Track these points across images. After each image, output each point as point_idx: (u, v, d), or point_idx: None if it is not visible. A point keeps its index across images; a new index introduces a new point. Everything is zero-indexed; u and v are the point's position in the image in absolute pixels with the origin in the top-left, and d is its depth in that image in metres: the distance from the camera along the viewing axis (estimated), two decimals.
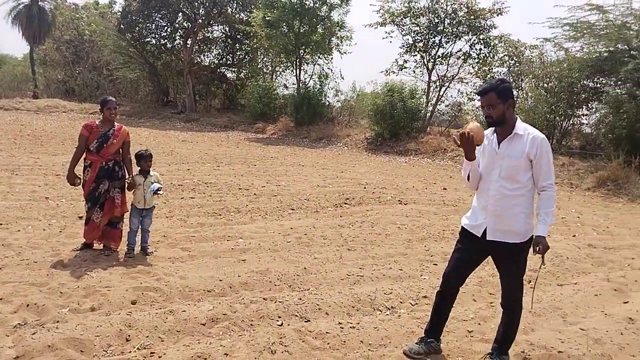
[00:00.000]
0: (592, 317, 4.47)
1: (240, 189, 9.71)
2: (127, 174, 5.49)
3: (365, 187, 10.47)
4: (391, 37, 21.25)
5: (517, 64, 19.19)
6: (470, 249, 3.44)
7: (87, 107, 29.13)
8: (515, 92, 19.04)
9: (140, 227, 5.45)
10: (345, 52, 23.91)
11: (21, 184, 8.52)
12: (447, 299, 3.56)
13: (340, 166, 14.27)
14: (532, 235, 3.24)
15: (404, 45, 21.04)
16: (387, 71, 21.12)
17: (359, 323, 4.01)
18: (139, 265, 5.05)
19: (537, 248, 3.15)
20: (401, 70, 21.09)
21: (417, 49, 20.82)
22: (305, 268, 5.32)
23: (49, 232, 5.89)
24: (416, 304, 4.59)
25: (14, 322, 3.67)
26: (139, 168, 5.49)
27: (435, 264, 5.76)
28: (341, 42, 23.49)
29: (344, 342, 3.67)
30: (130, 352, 3.37)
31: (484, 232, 3.31)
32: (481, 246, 3.37)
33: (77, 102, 30.26)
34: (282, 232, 6.80)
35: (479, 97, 3.29)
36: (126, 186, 5.44)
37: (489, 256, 3.46)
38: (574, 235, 7.61)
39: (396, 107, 18.18)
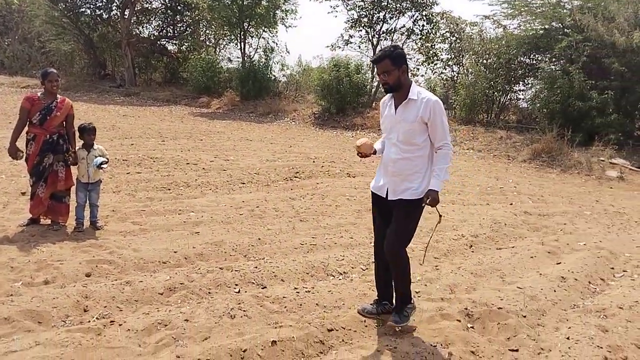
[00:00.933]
0: (528, 276, 4.83)
1: (188, 163, 9.60)
2: (70, 147, 5.35)
3: (314, 161, 10.61)
4: (336, 11, 21.28)
5: (458, 41, 19.71)
6: (382, 211, 3.57)
7: (19, 80, 27.48)
8: (456, 68, 19.87)
9: (87, 201, 5.35)
10: (290, 26, 23.71)
11: None
12: (383, 265, 3.62)
13: (289, 141, 14.33)
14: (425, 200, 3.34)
15: (349, 20, 21.11)
16: (332, 46, 21.20)
17: (313, 287, 4.18)
18: (89, 239, 4.99)
19: (427, 199, 3.28)
20: (347, 45, 21.21)
21: (362, 24, 20.95)
22: (259, 239, 5.42)
23: None
24: (367, 268, 4.81)
25: None
26: (82, 142, 5.36)
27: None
28: (286, 15, 23.25)
29: (300, 305, 3.83)
30: (89, 321, 3.39)
31: (387, 193, 3.46)
32: (386, 206, 3.49)
33: (7, 76, 28.50)
34: (234, 205, 6.84)
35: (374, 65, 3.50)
36: (69, 160, 5.31)
37: None
38: (511, 204, 8.09)
39: (342, 82, 18.30)
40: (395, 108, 3.42)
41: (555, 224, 6.93)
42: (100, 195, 5.53)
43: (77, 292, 3.70)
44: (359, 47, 21.28)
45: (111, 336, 3.17)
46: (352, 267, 4.82)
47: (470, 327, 3.68)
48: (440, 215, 3.55)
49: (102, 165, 5.23)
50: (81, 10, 27.62)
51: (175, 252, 4.78)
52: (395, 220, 3.43)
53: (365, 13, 20.83)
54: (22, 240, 4.79)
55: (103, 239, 5.01)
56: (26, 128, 5.23)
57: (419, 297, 4.19)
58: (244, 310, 3.66)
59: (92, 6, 27.93)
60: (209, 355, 2.99)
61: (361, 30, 21.11)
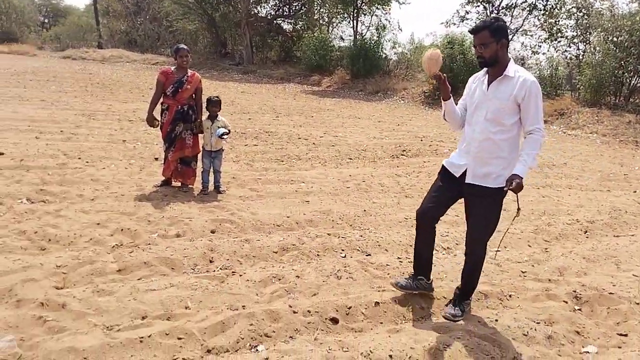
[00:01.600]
0: None
1: (299, 138, 10.05)
2: (198, 117, 5.90)
3: (422, 140, 10.57)
4: None
5: (585, 17, 18.19)
6: (447, 189, 3.37)
7: (149, 57, 30.04)
8: (582, 46, 18.38)
9: (211, 167, 5.89)
10: (404, 3, 23.39)
11: (99, 127, 9.18)
12: (424, 236, 3.49)
13: (397, 119, 14.33)
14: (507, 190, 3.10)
15: None
16: (447, 22, 20.72)
17: None
18: (213, 201, 5.53)
19: (510, 183, 2.98)
20: (462, 21, 20.59)
21: (480, 0, 20.10)
22: (364, 210, 5.63)
23: (130, 171, 6.45)
24: None
25: (111, 243, 4.20)
26: (208, 113, 5.88)
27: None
28: None
29: (403, 273, 3.98)
30: (214, 270, 3.83)
31: (463, 174, 3.27)
32: (457, 187, 3.31)
33: (139, 53, 31.25)
34: (341, 178, 7.11)
35: (472, 35, 3.15)
36: (195, 129, 5.86)
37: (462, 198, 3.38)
38: (635, 192, 7.52)
39: (456, 60, 17.81)
40: (489, 84, 3.18)
41: None
42: (222, 163, 6.05)
43: (204, 245, 4.18)
44: (475, 23, 20.48)
45: (233, 284, 3.57)
46: (457, 244, 4.86)
47: (578, 309, 3.60)
48: (518, 208, 3.20)
49: (224, 136, 5.71)
50: None
51: (287, 217, 5.15)
52: (475, 214, 3.27)
53: None
54: (157, 199, 5.43)
55: (225, 202, 5.52)
56: (161, 99, 5.84)
57: (525, 276, 4.16)
58: (350, 273, 3.90)
59: None
60: (317, 308, 3.26)
61: (479, 6, 20.34)
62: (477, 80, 3.31)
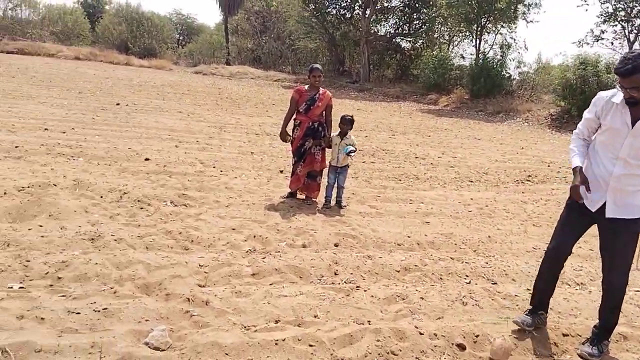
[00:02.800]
0: None
1: (416, 157, 10.00)
2: (327, 134, 6.13)
3: (549, 166, 10.01)
4: (587, 4, 19.40)
5: None
6: (577, 222, 3.27)
7: (272, 74, 31.66)
8: None
9: (336, 182, 6.08)
10: (532, 21, 22.42)
11: (229, 139, 9.88)
12: (553, 269, 3.40)
13: (520, 142, 13.70)
14: None
15: (602, 14, 19.10)
16: (579, 42, 19.57)
17: None
18: (335, 215, 5.69)
19: None
20: (597, 41, 19.29)
21: (618, 18, 18.72)
22: (489, 237, 5.46)
23: (259, 181, 6.86)
24: None
25: (246, 248, 4.50)
26: (339, 130, 6.08)
27: None
28: (528, 9, 22.08)
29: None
30: (339, 283, 3.95)
31: (600, 209, 3.12)
32: (588, 219, 3.21)
33: (263, 70, 33.04)
34: (462, 201, 6.96)
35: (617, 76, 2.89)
36: (324, 144, 6.08)
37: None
38: None
39: (588, 82, 16.65)
40: (634, 120, 2.95)
41: None
42: (346, 179, 6.22)
43: (329, 258, 4.33)
44: (612, 43, 19.12)
45: (358, 298, 3.66)
46: (591, 280, 4.54)
47: None
48: None
49: (351, 153, 5.87)
50: (328, 10, 30.37)
51: (408, 236, 5.16)
52: (617, 245, 3.13)
53: (622, 5, 18.53)
54: (284, 210, 5.71)
55: (346, 217, 5.67)
56: (294, 115, 6.15)
57: None
58: (476, 300, 3.81)
59: (337, 6, 30.52)
60: (443, 332, 3.23)
61: (616, 25, 18.94)
62: (613, 109, 3.04)
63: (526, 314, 3.47)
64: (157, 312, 3.25)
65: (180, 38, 49.76)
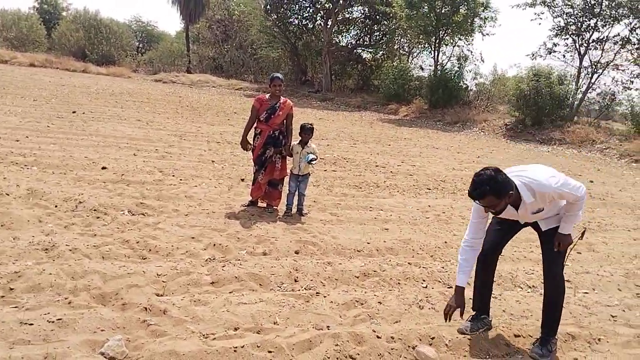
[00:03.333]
0: None
1: (377, 166, 10.15)
2: (288, 142, 6.17)
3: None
4: (540, 18, 20.20)
5: None
6: (506, 223, 3.47)
7: (234, 83, 31.55)
8: None
9: (297, 190, 6.11)
10: (487, 34, 23.15)
11: (190, 147, 9.78)
12: (488, 271, 3.59)
13: (477, 151, 14.10)
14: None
15: (554, 28, 19.92)
16: (533, 55, 20.26)
17: (501, 294, 4.25)
18: (296, 223, 5.73)
19: (558, 243, 3.25)
20: (549, 54, 20.04)
21: (569, 32, 19.57)
22: (445, 242, 5.60)
23: (219, 190, 6.82)
24: None
25: (205, 256, 4.47)
26: (300, 138, 6.13)
27: (580, 253, 5.71)
28: (484, 23, 22.78)
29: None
30: (299, 290, 3.98)
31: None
32: (517, 223, 3.43)
33: (224, 78, 32.89)
34: (420, 208, 7.11)
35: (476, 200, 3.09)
36: (285, 152, 6.12)
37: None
38: None
39: (541, 93, 17.32)
40: (516, 210, 3.19)
41: None
42: (307, 187, 6.26)
43: (289, 265, 4.35)
44: (564, 56, 19.90)
45: (317, 304, 3.69)
46: (542, 283, 4.71)
47: None
48: (584, 229, 3.52)
49: (312, 162, 5.93)
50: (290, 20, 30.57)
51: (368, 243, 5.24)
52: (549, 245, 3.35)
53: (573, 20, 19.42)
54: (245, 218, 5.71)
55: (307, 225, 5.71)
56: (255, 124, 6.16)
57: (615, 321, 3.98)
58: (432, 304, 3.91)
59: (299, 17, 30.76)
60: (400, 335, 3.30)
61: (567, 39, 19.76)
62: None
63: (469, 320, 3.56)
64: (113, 322, 3.20)
65: (140, 45, 48.91)
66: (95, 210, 5.38)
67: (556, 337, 3.45)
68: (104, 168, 7.25)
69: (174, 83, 30.40)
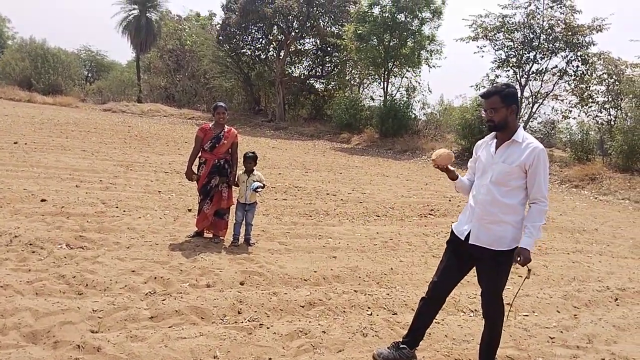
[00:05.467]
0: None
1: (327, 194, 10.22)
2: (233, 171, 6.13)
3: (450, 200, 10.61)
4: (483, 51, 21.14)
5: (616, 83, 18.33)
6: (456, 255, 3.39)
7: (186, 112, 31.24)
8: (613, 112, 18.37)
9: (244, 220, 6.06)
10: (434, 66, 23.99)
11: (136, 178, 9.56)
12: (431, 306, 3.50)
13: (425, 179, 14.43)
14: (516, 247, 3.16)
15: (496, 60, 20.86)
16: (477, 86, 21.03)
17: (443, 319, 4.30)
18: (243, 253, 5.66)
19: (518, 258, 3.08)
20: (492, 85, 20.86)
21: (510, 64, 20.55)
22: (391, 269, 5.66)
23: (165, 221, 6.68)
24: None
25: (145, 290, 4.34)
26: (244, 168, 6.11)
27: (520, 276, 5.87)
28: (431, 55, 23.60)
29: (430, 334, 3.97)
30: (242, 322, 3.91)
31: (468, 236, 3.27)
32: (466, 250, 3.31)
33: (176, 108, 32.53)
34: (369, 235, 7.18)
35: (482, 100, 3.25)
36: (231, 182, 6.09)
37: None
38: None
39: (485, 122, 18.00)
40: (496, 148, 3.24)
41: None
42: (254, 216, 6.22)
43: (233, 297, 4.28)
44: (487, 88, 20.85)
45: (260, 336, 3.63)
46: None
47: None
48: (529, 270, 3.28)
49: (258, 190, 5.91)
50: (243, 51, 30.77)
51: (315, 271, 5.23)
52: (485, 272, 3.30)
53: (514, 53, 20.44)
54: (189, 249, 5.59)
55: (254, 254, 5.65)
56: (199, 153, 6.11)
57: (553, 342, 4.10)
58: (376, 331, 3.92)
59: (252, 47, 31.03)
60: None
61: (509, 71, 20.71)
62: (484, 145, 3.38)
63: (387, 347, 3.53)
64: None
65: (89, 75, 47.87)
66: (31, 244, 5.15)
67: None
68: (43, 200, 6.98)
69: (124, 112, 29.78)
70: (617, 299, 5.35)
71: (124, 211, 6.93)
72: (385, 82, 24.45)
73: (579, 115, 22.21)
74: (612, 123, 18.13)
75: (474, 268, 3.42)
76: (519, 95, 20.20)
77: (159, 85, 38.27)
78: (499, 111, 3.14)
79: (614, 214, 11.35)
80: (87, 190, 7.95)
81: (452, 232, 3.46)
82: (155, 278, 4.59)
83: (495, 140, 3.29)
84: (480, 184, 3.28)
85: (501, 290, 3.33)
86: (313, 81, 32.15)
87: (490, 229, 3.20)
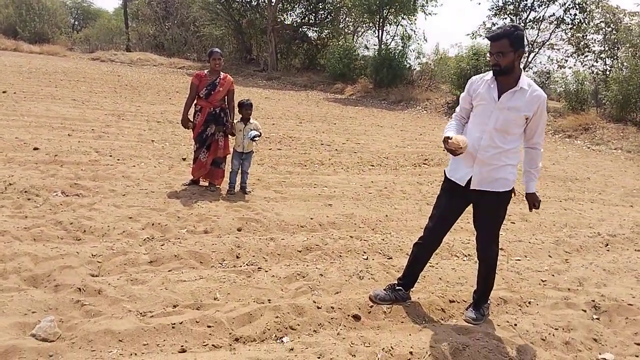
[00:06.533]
0: None
1: (322, 144, 10.19)
2: (230, 119, 6.07)
3: (444, 150, 10.61)
4: None
5: (614, 32, 18.06)
6: (454, 200, 3.39)
7: (176, 61, 30.56)
8: (609, 62, 18.21)
9: (240, 168, 6.05)
10: (430, 13, 23.46)
11: (128, 127, 9.45)
12: (426, 251, 3.55)
13: (419, 129, 14.39)
14: (513, 187, 3.25)
15: (493, 8, 20.44)
16: (473, 34, 20.70)
17: (438, 263, 4.40)
18: (239, 201, 5.68)
19: (535, 204, 3.26)
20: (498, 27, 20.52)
21: (507, 12, 20.15)
22: (386, 216, 5.73)
23: (159, 169, 6.65)
24: None
25: (143, 236, 4.37)
26: (241, 116, 6.05)
27: (513, 222, 5.98)
28: (427, 2, 23.05)
29: (424, 277, 4.06)
30: (241, 266, 3.97)
31: (468, 181, 3.24)
32: (464, 195, 3.31)
33: (166, 57, 31.79)
34: (364, 184, 7.22)
35: (489, 42, 3.10)
36: (227, 131, 6.03)
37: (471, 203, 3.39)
38: None
39: (481, 72, 17.78)
40: (499, 93, 3.14)
41: None
42: (251, 165, 6.20)
43: (231, 242, 4.33)
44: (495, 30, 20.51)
45: (259, 279, 3.70)
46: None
47: (596, 318, 3.65)
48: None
49: (255, 138, 5.87)
50: None
51: (311, 218, 5.28)
52: (485, 214, 3.33)
53: (511, 0, 19.94)
54: (185, 197, 5.60)
55: (251, 202, 5.68)
56: (195, 100, 6.01)
57: (544, 285, 4.21)
58: (371, 274, 4.00)
59: None
60: (340, 305, 3.37)
61: (506, 18, 20.31)
62: (483, 85, 3.22)
63: (384, 289, 3.59)
64: (45, 304, 3.09)
65: (76, 23, 46.43)
66: (26, 191, 5.14)
67: (489, 302, 3.61)
68: (36, 149, 6.91)
69: (113, 62, 29.10)
70: (607, 245, 5.47)
71: (118, 160, 6.89)
72: (380, 31, 23.98)
73: (574, 65, 21.94)
74: (608, 73, 17.99)
75: (466, 214, 3.47)
76: None
77: (147, 33, 37.20)
78: (507, 55, 3.02)
79: (606, 163, 11.45)
80: (79, 139, 7.87)
81: (447, 179, 3.43)
82: (153, 224, 4.62)
83: (496, 83, 3.16)
84: (482, 129, 3.19)
85: (498, 231, 3.42)
86: (306, 29, 31.36)
87: (493, 173, 3.19)
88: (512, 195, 3.33)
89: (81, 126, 8.93)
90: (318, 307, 3.30)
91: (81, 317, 2.99)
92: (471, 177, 3.24)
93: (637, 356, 3.20)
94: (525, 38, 3.17)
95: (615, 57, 18.14)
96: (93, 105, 11.70)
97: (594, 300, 3.85)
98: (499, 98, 3.14)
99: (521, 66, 3.20)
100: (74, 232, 4.27)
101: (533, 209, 3.35)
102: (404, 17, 23.58)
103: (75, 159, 6.59)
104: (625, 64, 16.39)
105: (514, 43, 3.01)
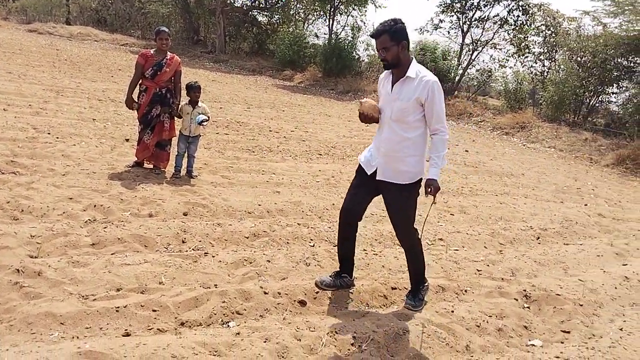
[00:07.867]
0: (591, 272, 4.92)
1: (270, 131, 10.16)
2: (175, 100, 5.94)
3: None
4: None
5: (553, 35, 18.97)
6: (363, 186, 3.49)
7: (119, 38, 29.32)
8: (547, 63, 19.13)
9: (186, 152, 5.95)
10: (380, 6, 23.70)
11: (68, 104, 9.03)
12: (347, 231, 3.61)
13: None
14: (421, 178, 3.32)
15: (441, 5, 20.87)
16: (421, 29, 21.13)
17: (381, 252, 4.54)
18: (185, 185, 5.60)
19: (429, 189, 3.23)
20: (435, 30, 21.01)
21: (454, 10, 20.64)
22: (333, 204, 5.82)
23: (101, 150, 6.43)
24: (432, 244, 5.10)
25: (84, 217, 4.24)
26: (189, 98, 5.94)
27: (452, 214, 6.23)
28: None
29: (368, 264, 4.19)
30: (187, 251, 3.94)
31: (375, 172, 3.38)
32: (372, 184, 3.42)
33: (108, 32, 30.45)
34: (311, 172, 7.28)
35: (374, 40, 3.22)
36: (173, 112, 5.91)
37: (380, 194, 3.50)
38: (586, 205, 7.98)
39: (426, 67, 18.15)
40: (392, 85, 3.28)
41: (629, 229, 6.81)
42: (197, 148, 6.11)
43: (177, 226, 4.28)
44: (448, 32, 20.99)
45: (205, 264, 3.69)
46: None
47: (527, 307, 3.89)
48: (434, 201, 3.43)
49: (203, 123, 5.78)
50: None
51: (259, 205, 5.29)
52: (392, 205, 3.41)
53: None
54: (129, 179, 5.46)
55: (197, 187, 5.61)
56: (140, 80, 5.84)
57: (480, 274, 4.44)
58: (318, 261, 4.08)
59: None
60: (286, 290, 3.43)
61: (452, 16, 20.83)
62: (384, 81, 3.39)
63: (330, 275, 3.68)
64: None
65: None
66: None
67: (426, 286, 3.74)
68: None
69: (51, 34, 27.52)
70: (538, 238, 5.81)
71: (57, 138, 6.60)
72: (331, 20, 24.02)
73: (515, 65, 22.93)
74: (545, 74, 18.91)
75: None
76: (461, 41, 20.54)
77: (89, 7, 35.40)
78: (390, 49, 3.15)
79: (540, 160, 12.09)
80: (15, 114, 7.45)
81: (359, 164, 3.56)
82: (95, 206, 4.49)
83: (391, 76, 3.31)
84: (383, 121, 3.34)
85: (411, 220, 3.47)
86: (256, 13, 30.91)
87: (394, 164, 3.30)
88: (420, 187, 3.37)
89: (17, 101, 8.46)
90: (265, 293, 3.34)
91: (20, 299, 2.89)
92: (377, 169, 3.37)
93: (562, 342, 3.46)
94: (405, 30, 3.19)
95: (553, 59, 19.07)
96: (30, 79, 11.08)
97: (525, 290, 4.10)
98: (392, 90, 3.28)
99: (411, 56, 3.30)
100: (10, 211, 4.08)
101: (429, 194, 3.29)
102: (355, 7, 23.72)
103: (11, 135, 6.25)
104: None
105: (393, 37, 3.14)
